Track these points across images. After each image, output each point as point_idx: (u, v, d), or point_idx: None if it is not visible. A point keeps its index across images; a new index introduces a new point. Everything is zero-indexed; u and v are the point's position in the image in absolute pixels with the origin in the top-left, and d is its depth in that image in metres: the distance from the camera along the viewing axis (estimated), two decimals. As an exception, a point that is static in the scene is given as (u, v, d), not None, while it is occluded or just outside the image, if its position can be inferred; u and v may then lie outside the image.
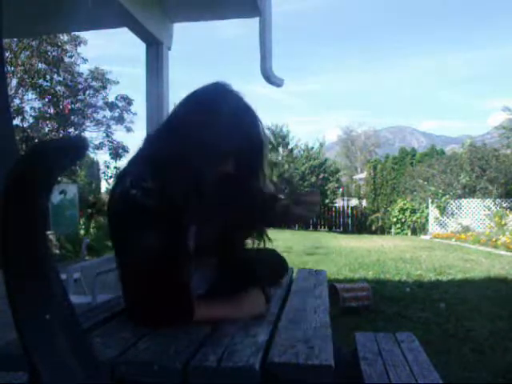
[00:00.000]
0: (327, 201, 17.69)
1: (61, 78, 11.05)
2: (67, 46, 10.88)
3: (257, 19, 3.19)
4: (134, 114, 12.06)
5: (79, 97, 11.46)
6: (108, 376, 0.83)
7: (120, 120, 12.05)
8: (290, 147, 18.41)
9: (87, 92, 11.62)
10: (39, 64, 10.48)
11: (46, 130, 11.05)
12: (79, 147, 0.62)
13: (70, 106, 11.12)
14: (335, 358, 0.87)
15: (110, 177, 11.64)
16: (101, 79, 11.65)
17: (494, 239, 9.87)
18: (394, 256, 8.05)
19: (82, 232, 9.64)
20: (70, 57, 11.13)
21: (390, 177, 16.66)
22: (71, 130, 11.33)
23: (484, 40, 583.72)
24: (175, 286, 1.03)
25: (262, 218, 1.29)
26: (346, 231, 16.95)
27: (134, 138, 12.15)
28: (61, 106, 10.96)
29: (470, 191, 13.71)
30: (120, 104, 11.95)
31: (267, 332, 1.03)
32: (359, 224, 17.03)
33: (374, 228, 16.15)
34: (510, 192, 13.31)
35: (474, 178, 13.59)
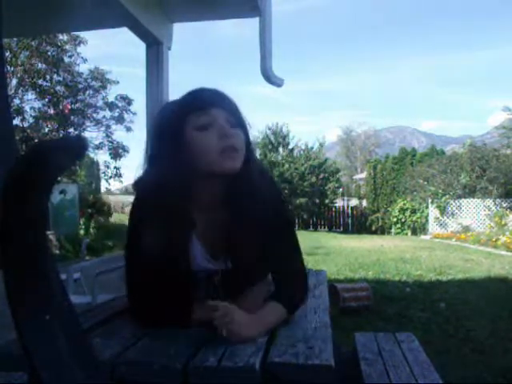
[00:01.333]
0: (327, 201, 17.67)
1: (61, 78, 11.04)
2: (67, 46, 10.87)
3: (257, 19, 3.19)
4: (134, 113, 12.03)
5: (79, 97, 11.43)
6: (108, 376, 0.82)
7: (120, 120, 12.02)
8: (290, 147, 18.39)
9: (87, 92, 11.59)
10: (39, 64, 10.46)
11: (46, 130, 11.02)
12: (79, 147, 0.61)
13: (69, 106, 11.10)
14: (335, 358, 0.87)
15: (110, 177, 11.63)
16: (101, 79, 11.63)
17: (494, 239, 9.87)
18: (394, 256, 8.05)
19: (81, 232, 9.64)
20: (70, 57, 11.11)
21: (390, 177, 16.65)
22: (71, 130, 11.31)
23: (484, 40, 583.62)
24: (175, 287, 1.03)
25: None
26: (346, 231, 16.95)
27: (133, 137, 12.11)
28: (61, 106, 10.94)
29: (470, 191, 13.70)
30: (120, 104, 11.92)
31: (267, 332, 1.02)
32: (359, 224, 17.03)
33: (374, 228, 16.15)
34: (510, 192, 13.30)
35: (474, 178, 13.58)
